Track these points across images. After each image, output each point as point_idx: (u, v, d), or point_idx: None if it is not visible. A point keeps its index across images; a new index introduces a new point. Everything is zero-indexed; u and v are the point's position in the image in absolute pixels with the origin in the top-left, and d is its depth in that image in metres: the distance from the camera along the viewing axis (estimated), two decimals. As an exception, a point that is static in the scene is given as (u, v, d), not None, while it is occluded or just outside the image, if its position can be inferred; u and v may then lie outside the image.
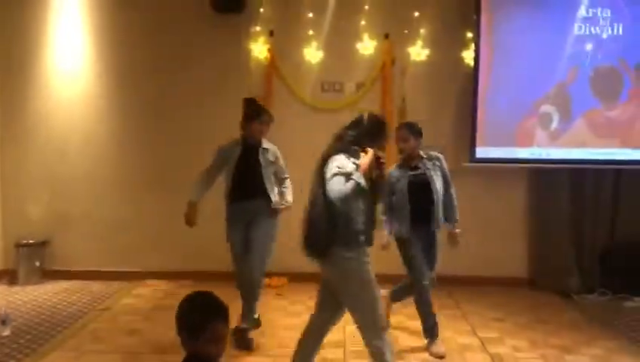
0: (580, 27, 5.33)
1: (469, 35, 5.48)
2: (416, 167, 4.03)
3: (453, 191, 4.12)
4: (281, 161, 4.27)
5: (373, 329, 2.92)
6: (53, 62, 5.79)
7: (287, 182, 4.32)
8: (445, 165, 4.10)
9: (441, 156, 4.13)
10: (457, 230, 4.14)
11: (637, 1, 5.29)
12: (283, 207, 4.21)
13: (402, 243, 4.04)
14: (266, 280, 5.60)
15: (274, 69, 5.70)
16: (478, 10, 5.34)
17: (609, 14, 5.30)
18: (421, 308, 4.04)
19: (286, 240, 5.09)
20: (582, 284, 5.51)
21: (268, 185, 4.11)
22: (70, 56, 5.78)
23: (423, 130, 4.05)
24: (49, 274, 5.74)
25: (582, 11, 5.31)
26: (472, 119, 5.42)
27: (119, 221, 5.79)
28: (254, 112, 4.09)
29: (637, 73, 5.32)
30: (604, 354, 4.01)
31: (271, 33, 5.65)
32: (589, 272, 5.58)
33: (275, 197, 4.15)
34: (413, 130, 4.01)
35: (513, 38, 5.40)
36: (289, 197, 4.28)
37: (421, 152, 4.07)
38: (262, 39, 5.65)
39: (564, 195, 5.59)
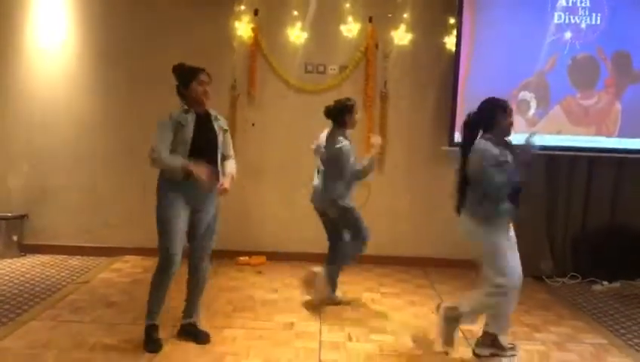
0: (560, 16, 5.42)
1: (452, 20, 5.55)
2: None
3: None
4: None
5: None
6: (33, 40, 5.71)
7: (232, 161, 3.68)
8: None
9: None
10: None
11: (615, -8, 5.41)
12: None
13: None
14: (246, 259, 5.69)
15: (258, 49, 5.71)
16: (461, -4, 5.40)
17: (588, 4, 5.41)
18: None
19: (264, 222, 5.17)
20: (554, 268, 5.66)
21: (220, 160, 3.58)
22: (50, 35, 5.71)
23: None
24: (27, 249, 5.69)
25: (562, 1, 5.41)
26: (452, 104, 5.49)
27: (99, 196, 5.78)
28: (192, 72, 3.52)
29: (613, 62, 5.45)
30: (570, 332, 4.15)
31: (255, 12, 5.65)
32: (561, 257, 5.72)
33: (222, 175, 3.54)
34: None
35: (495, 25, 5.47)
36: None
37: None
38: (246, 18, 5.65)
39: (540, 182, 5.70)
